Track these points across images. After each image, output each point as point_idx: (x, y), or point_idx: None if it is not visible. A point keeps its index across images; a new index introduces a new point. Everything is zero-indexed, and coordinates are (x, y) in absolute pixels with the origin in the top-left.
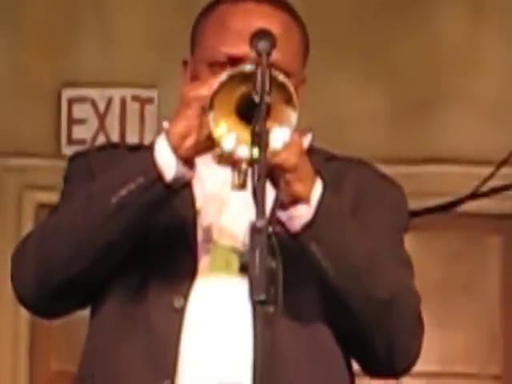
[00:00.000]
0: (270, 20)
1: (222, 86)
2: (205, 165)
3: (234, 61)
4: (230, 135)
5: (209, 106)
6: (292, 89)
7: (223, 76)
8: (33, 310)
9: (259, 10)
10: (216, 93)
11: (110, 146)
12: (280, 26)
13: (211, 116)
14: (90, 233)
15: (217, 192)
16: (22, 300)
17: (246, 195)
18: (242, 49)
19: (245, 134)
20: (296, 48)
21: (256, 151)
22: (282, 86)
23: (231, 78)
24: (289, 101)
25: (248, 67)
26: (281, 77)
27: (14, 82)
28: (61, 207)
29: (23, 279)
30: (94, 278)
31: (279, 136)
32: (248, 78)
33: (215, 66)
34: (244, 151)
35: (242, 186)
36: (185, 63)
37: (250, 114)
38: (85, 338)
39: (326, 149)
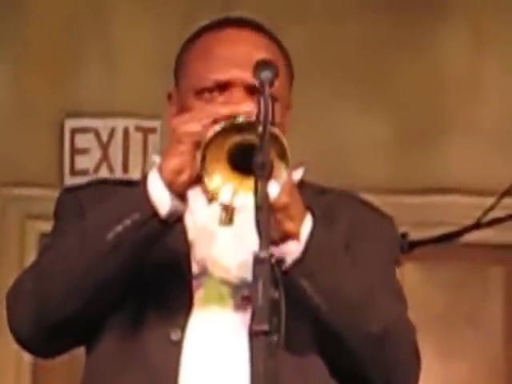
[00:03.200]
0: (253, 45)
1: (215, 137)
2: (192, 197)
3: (222, 86)
4: (226, 187)
5: (201, 158)
6: (286, 143)
7: (216, 127)
8: (30, 349)
9: (241, 36)
10: (208, 145)
11: (99, 182)
12: (263, 50)
13: (205, 170)
14: (87, 270)
15: (206, 224)
16: (19, 339)
17: (233, 229)
18: (229, 74)
19: (239, 183)
20: (283, 75)
21: (250, 199)
22: (276, 140)
23: (224, 130)
24: (282, 155)
25: (241, 119)
26: (274, 130)
27: (16, 112)
28: (54, 245)
29: (20, 319)
30: (91, 316)
31: (270, 189)
32: (240, 129)
33: (203, 92)
34: (241, 200)
35: (229, 222)
36: (169, 96)
37: (243, 163)
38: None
39: (317, 182)
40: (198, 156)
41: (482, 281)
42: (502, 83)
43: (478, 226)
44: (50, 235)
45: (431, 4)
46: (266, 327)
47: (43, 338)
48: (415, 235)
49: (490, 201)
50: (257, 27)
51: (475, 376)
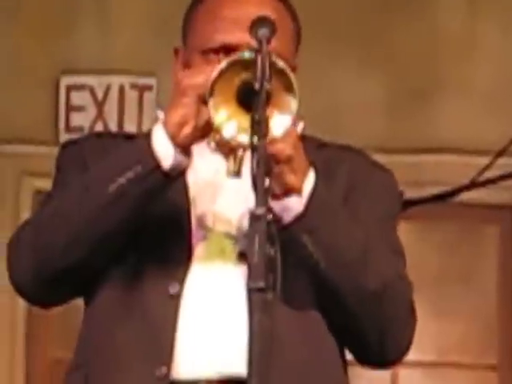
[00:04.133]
0: (263, 8)
1: (222, 73)
2: (197, 153)
3: (229, 48)
4: (231, 122)
5: (209, 93)
6: (292, 76)
7: (223, 63)
8: (29, 298)
9: None
10: (216, 80)
11: (100, 134)
12: (274, 13)
13: (211, 103)
14: (88, 222)
15: (210, 180)
16: (19, 288)
17: (239, 182)
18: (237, 36)
19: (245, 121)
20: (289, 36)
21: (256, 139)
22: (281, 73)
23: (231, 65)
24: (289, 88)
25: (247, 54)
26: (281, 63)
27: (12, 69)
28: (56, 196)
29: (20, 268)
30: (90, 267)
31: (280, 123)
32: (248, 65)
33: (209, 53)
34: (244, 138)
35: (237, 172)
36: (176, 52)
37: (250, 101)
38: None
39: (318, 137)
40: (203, 107)
41: (476, 240)
42: (497, 43)
43: (472, 185)
44: (51, 187)
45: None
46: (261, 284)
47: (42, 288)
48: (409, 194)
49: (483, 160)
50: None
51: (469, 335)
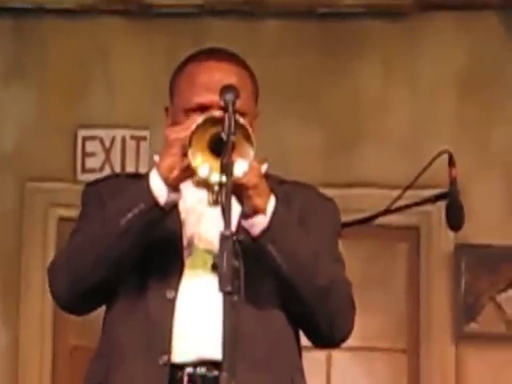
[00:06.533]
0: (228, 74)
1: (198, 128)
2: (184, 188)
3: (203, 107)
4: (204, 165)
5: (188, 143)
6: (250, 130)
7: (198, 120)
8: (64, 308)
9: (219, 66)
10: (193, 133)
11: (113, 176)
12: (236, 77)
13: (190, 151)
14: (107, 248)
15: (195, 207)
16: (57, 302)
17: (218, 210)
18: (209, 97)
19: (215, 164)
20: (249, 94)
21: (223, 177)
22: (243, 128)
23: (203, 123)
24: (248, 138)
25: (217, 113)
26: (242, 121)
27: (40, 124)
28: (81, 229)
29: (57, 286)
30: (111, 282)
31: (240, 166)
32: (217, 121)
33: (189, 112)
34: (215, 177)
35: (216, 202)
36: (166, 110)
37: (219, 149)
38: (98, 324)
39: (277, 175)
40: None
41: (390, 254)
42: (405, 103)
43: (387, 211)
44: (78, 219)
45: (352, 42)
46: (228, 289)
47: (76, 301)
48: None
49: (395, 193)
50: (231, 58)
51: (385, 326)
